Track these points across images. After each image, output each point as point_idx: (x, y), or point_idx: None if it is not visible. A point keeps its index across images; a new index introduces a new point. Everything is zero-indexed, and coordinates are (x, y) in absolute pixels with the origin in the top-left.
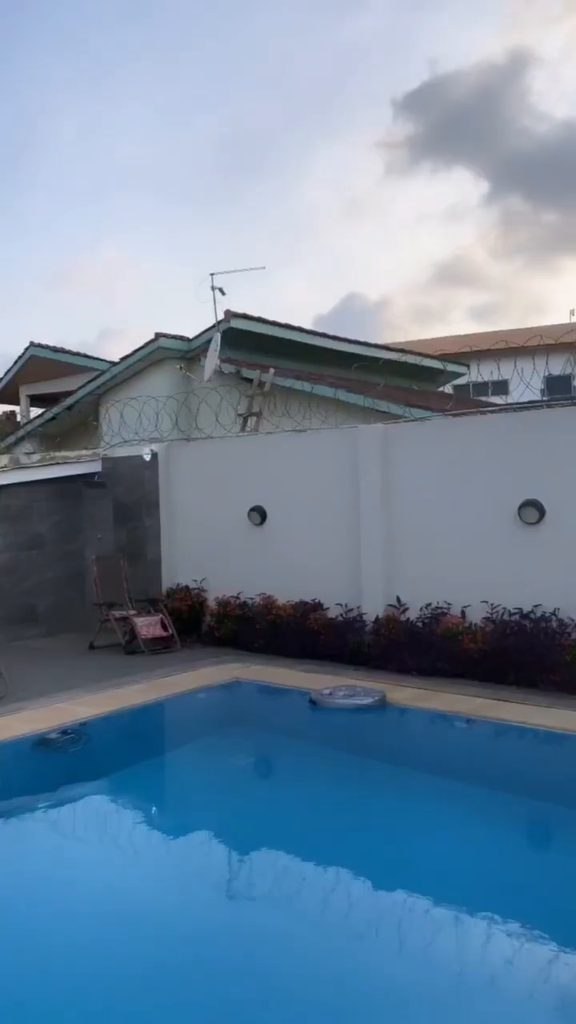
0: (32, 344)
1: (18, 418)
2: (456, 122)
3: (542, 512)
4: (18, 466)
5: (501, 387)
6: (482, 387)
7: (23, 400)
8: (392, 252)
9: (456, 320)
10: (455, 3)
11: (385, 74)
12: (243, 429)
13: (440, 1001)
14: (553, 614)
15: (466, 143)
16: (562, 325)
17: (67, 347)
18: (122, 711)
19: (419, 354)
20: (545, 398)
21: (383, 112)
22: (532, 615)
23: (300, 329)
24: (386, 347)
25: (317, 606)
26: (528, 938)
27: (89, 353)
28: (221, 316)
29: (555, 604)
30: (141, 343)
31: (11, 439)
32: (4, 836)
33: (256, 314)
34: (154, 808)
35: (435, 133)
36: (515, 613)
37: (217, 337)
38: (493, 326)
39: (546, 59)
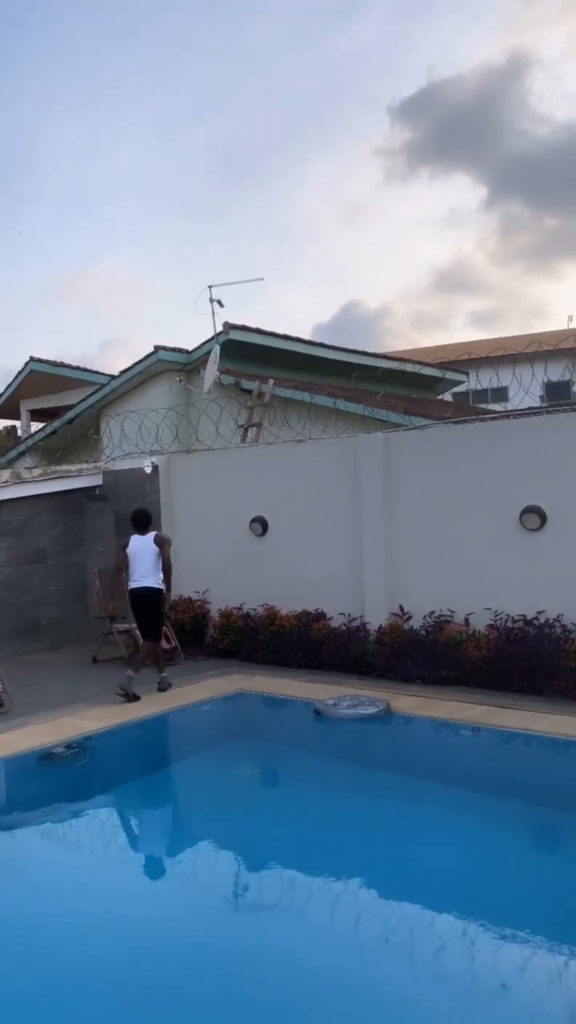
0: (32, 359)
1: (19, 433)
2: (455, 127)
3: (544, 518)
4: (19, 480)
5: (500, 394)
6: (481, 394)
7: (24, 415)
8: (391, 259)
9: (457, 327)
10: (452, 9)
11: (383, 82)
12: (243, 440)
13: (451, 1015)
14: (557, 620)
15: (465, 148)
16: (561, 331)
17: (67, 360)
18: (127, 724)
19: (418, 362)
20: (544, 404)
21: (380, 119)
22: (535, 621)
23: (299, 340)
24: (385, 356)
25: (320, 616)
26: (539, 947)
27: (89, 365)
28: (220, 328)
29: (558, 610)
30: (141, 355)
31: (12, 454)
32: (10, 851)
33: (255, 325)
34: (160, 822)
35: (434, 138)
36: (518, 620)
37: (216, 349)
38: (494, 332)
39: (546, 60)
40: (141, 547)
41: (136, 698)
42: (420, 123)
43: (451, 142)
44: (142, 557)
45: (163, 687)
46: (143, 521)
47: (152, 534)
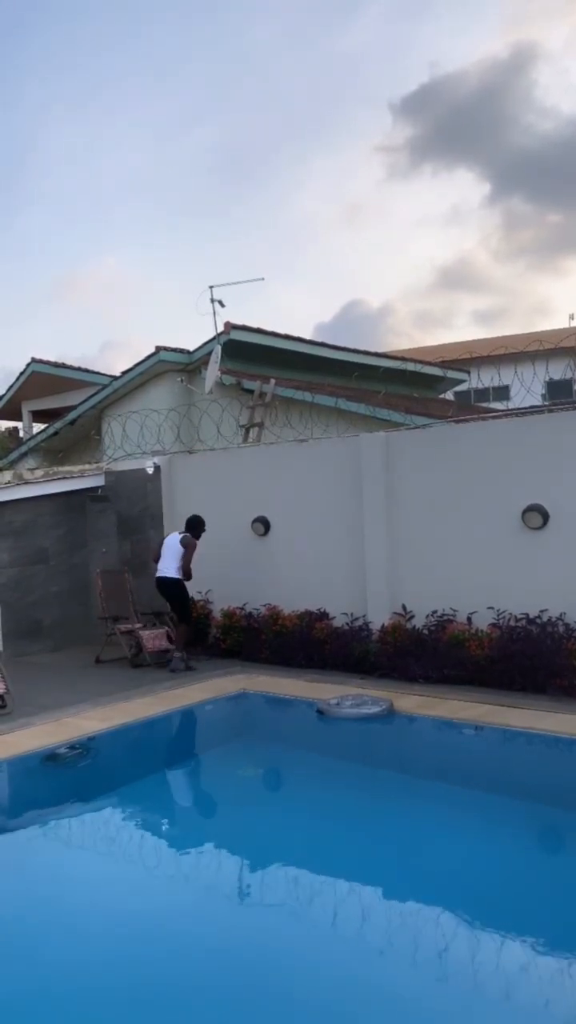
0: (33, 360)
1: (21, 434)
2: (458, 122)
3: (546, 517)
4: (22, 481)
5: (502, 393)
6: (483, 393)
7: (25, 416)
8: (393, 257)
9: (460, 325)
10: (454, 6)
11: (384, 80)
12: (245, 440)
13: (457, 1015)
14: (559, 618)
15: (468, 143)
16: (562, 329)
17: (68, 360)
18: (130, 725)
19: (419, 361)
20: (546, 403)
21: (382, 117)
22: (538, 620)
23: (300, 339)
24: (386, 355)
25: (322, 615)
26: (545, 948)
27: (90, 365)
28: (221, 328)
29: (561, 608)
30: (142, 355)
31: (14, 455)
32: (14, 851)
33: (256, 325)
34: (164, 822)
35: (436, 134)
36: (521, 618)
37: (217, 349)
38: (497, 330)
39: (551, 53)
40: (170, 543)
41: (191, 668)
42: (422, 119)
43: (454, 138)
44: (168, 551)
45: (175, 668)
46: (189, 524)
47: (182, 535)
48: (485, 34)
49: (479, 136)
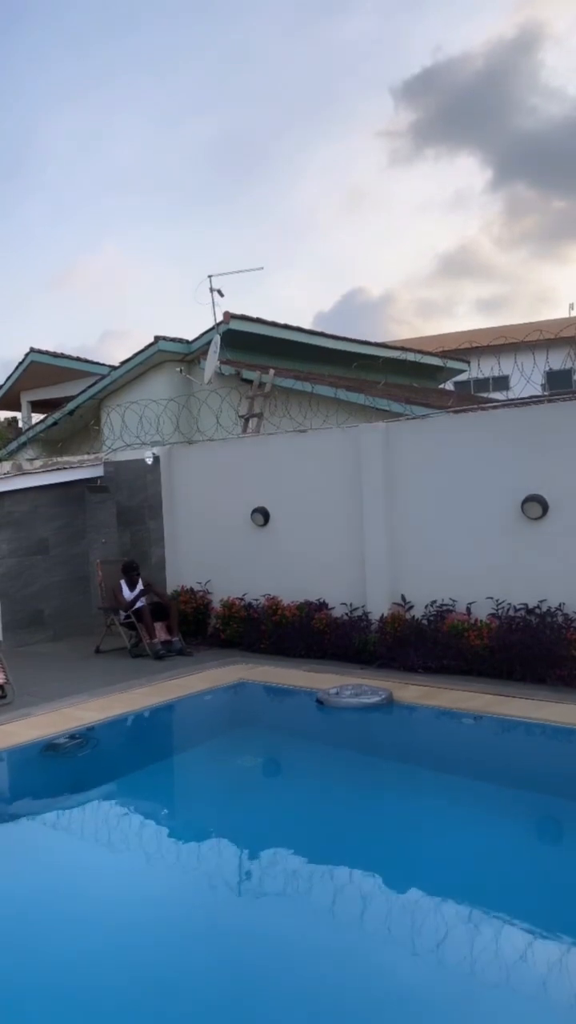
0: (32, 350)
1: (20, 424)
2: (461, 105)
3: (545, 507)
4: (21, 472)
5: (502, 383)
6: (483, 383)
7: (24, 406)
8: (395, 245)
9: (462, 314)
10: None
11: (387, 64)
12: (244, 430)
13: (453, 1004)
14: (559, 608)
15: (471, 127)
16: (562, 319)
17: (68, 350)
18: (129, 714)
19: (419, 351)
20: (546, 392)
21: (385, 103)
22: (538, 610)
23: (299, 329)
24: (386, 345)
25: (322, 606)
26: (545, 936)
27: (90, 355)
28: (220, 318)
29: (560, 598)
30: (142, 345)
31: (13, 445)
32: (13, 842)
33: (256, 315)
34: (164, 812)
35: (439, 119)
36: (520, 608)
37: (217, 339)
38: (500, 319)
39: (558, 34)
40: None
41: (171, 652)
42: (425, 103)
43: (457, 122)
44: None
45: (158, 653)
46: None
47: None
48: (491, 15)
49: (483, 119)
